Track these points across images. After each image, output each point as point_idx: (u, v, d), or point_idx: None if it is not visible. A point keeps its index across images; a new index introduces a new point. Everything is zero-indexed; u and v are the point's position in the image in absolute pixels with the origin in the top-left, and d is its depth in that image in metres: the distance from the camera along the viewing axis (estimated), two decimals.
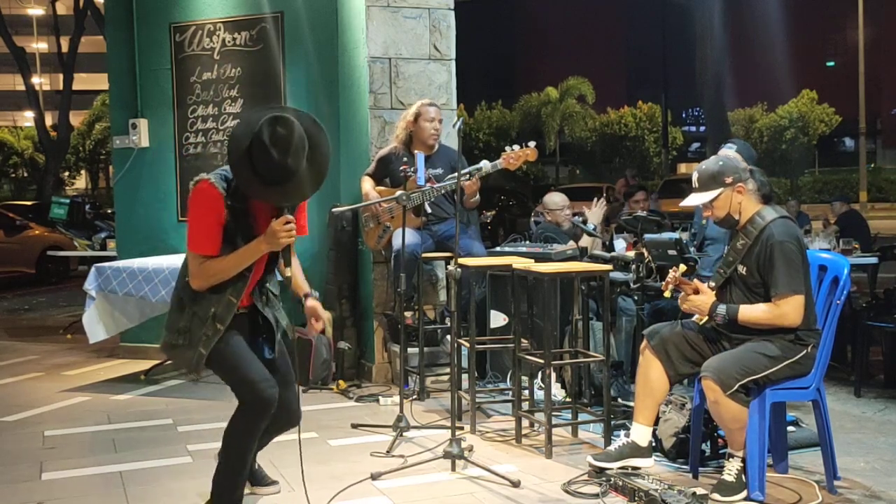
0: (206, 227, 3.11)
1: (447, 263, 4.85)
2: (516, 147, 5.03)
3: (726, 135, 21.11)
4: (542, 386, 4.49)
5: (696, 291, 3.71)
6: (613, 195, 13.14)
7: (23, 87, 24.13)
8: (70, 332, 8.18)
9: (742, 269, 3.69)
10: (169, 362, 6.46)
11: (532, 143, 5.04)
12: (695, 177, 3.82)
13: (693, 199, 3.80)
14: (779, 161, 38.81)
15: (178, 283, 3.30)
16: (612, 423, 4.41)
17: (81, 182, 42.35)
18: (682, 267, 3.76)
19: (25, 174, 38.64)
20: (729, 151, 4.76)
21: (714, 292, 3.72)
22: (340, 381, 5.76)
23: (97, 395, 5.79)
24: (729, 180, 3.71)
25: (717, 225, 3.95)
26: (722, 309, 3.64)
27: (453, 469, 4.03)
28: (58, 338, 8.12)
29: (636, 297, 5.00)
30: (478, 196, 5.49)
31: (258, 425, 3.23)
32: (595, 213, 6.01)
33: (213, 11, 6.79)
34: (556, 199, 6.14)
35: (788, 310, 3.54)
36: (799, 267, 3.57)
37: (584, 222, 5.92)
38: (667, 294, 3.75)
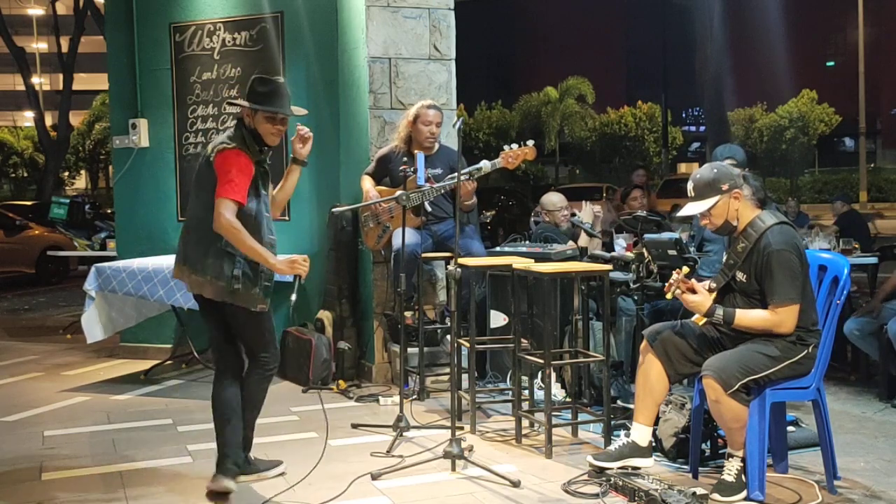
0: (245, 181, 3.72)
1: (447, 263, 4.85)
2: (515, 146, 5.03)
3: (726, 134, 21.13)
4: (542, 386, 4.49)
5: (693, 291, 3.70)
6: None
7: (23, 87, 24.12)
8: (70, 332, 8.17)
9: (741, 276, 3.68)
10: (169, 362, 6.48)
11: (531, 142, 5.03)
12: (690, 186, 3.79)
13: (691, 209, 3.79)
14: (779, 161, 38.81)
15: (205, 235, 3.72)
16: (612, 423, 4.41)
17: (81, 182, 42.34)
18: (686, 269, 3.75)
19: (25, 174, 38.62)
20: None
21: (714, 295, 3.72)
22: (340, 381, 5.76)
23: (97, 395, 5.79)
24: (725, 187, 3.70)
25: (714, 233, 3.96)
26: (719, 312, 3.64)
27: (453, 469, 4.03)
28: (58, 338, 8.12)
29: (636, 297, 5.00)
30: (474, 199, 5.49)
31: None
32: (586, 212, 6.00)
33: (213, 11, 6.79)
34: (553, 199, 6.12)
35: (784, 318, 3.55)
36: (796, 275, 3.57)
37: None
38: (669, 296, 3.73)
